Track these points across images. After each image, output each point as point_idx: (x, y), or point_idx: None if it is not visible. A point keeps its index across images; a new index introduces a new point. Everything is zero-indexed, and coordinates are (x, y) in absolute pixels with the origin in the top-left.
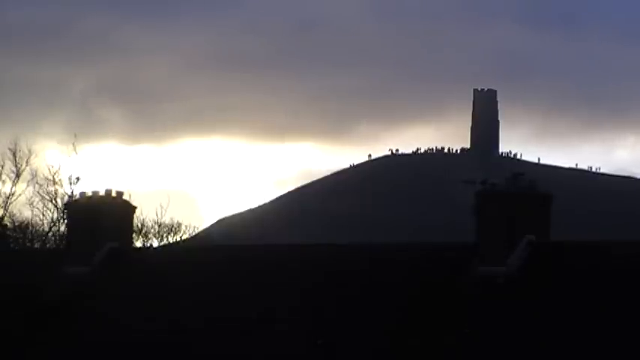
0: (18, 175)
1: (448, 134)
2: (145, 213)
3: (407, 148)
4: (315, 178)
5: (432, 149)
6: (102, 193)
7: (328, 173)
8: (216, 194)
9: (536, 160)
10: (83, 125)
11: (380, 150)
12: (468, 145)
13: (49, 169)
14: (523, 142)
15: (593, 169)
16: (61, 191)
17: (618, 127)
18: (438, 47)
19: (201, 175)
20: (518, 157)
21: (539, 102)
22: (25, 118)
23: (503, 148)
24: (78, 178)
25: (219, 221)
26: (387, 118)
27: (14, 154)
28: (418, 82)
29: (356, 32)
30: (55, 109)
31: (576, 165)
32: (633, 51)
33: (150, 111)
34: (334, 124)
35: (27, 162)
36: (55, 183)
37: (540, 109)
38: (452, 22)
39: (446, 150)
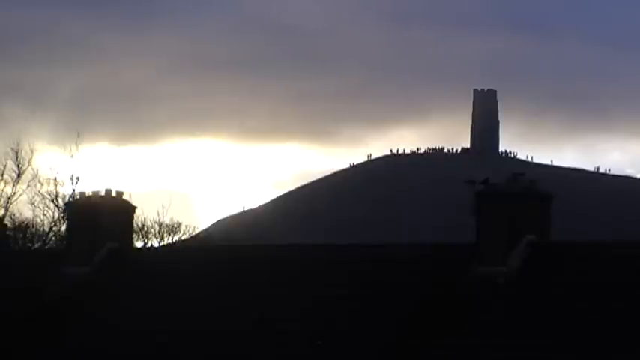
0: (20, 175)
1: (448, 134)
2: (145, 213)
3: (406, 148)
4: (310, 179)
5: (432, 149)
6: (102, 193)
7: (322, 174)
8: (210, 195)
9: (536, 161)
10: (72, 127)
11: (377, 150)
12: (468, 145)
13: (50, 169)
14: (521, 142)
15: (593, 169)
16: (61, 191)
17: (604, 128)
18: (432, 47)
19: (194, 176)
20: (519, 157)
21: (527, 103)
22: (14, 120)
23: (503, 148)
24: (78, 178)
25: (219, 222)
26: (382, 118)
27: (16, 154)
28: (416, 82)
29: (351, 33)
30: (43, 111)
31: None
32: (621, 55)
33: (136, 113)
34: (327, 125)
35: (29, 162)
36: (56, 183)
37: (529, 111)
38: (443, 24)
39: (446, 150)
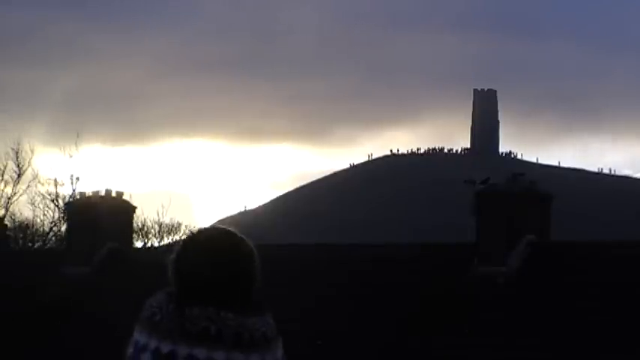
0: (20, 175)
1: (444, 134)
2: (145, 214)
3: (403, 149)
4: (307, 180)
5: (432, 149)
6: (102, 193)
7: (319, 175)
8: (209, 195)
9: (534, 161)
10: (69, 128)
11: (372, 150)
12: (468, 145)
13: (50, 169)
14: (517, 142)
15: (593, 169)
16: (61, 191)
17: (603, 128)
18: (426, 47)
19: (191, 177)
20: (519, 156)
21: (523, 104)
22: (7, 121)
23: (503, 148)
24: (78, 178)
25: (219, 222)
26: (377, 118)
27: (17, 154)
28: (411, 82)
29: (347, 33)
30: (39, 112)
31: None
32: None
33: (133, 113)
34: (321, 125)
35: (29, 162)
36: (56, 183)
37: (524, 111)
38: (438, 24)
39: (446, 150)
